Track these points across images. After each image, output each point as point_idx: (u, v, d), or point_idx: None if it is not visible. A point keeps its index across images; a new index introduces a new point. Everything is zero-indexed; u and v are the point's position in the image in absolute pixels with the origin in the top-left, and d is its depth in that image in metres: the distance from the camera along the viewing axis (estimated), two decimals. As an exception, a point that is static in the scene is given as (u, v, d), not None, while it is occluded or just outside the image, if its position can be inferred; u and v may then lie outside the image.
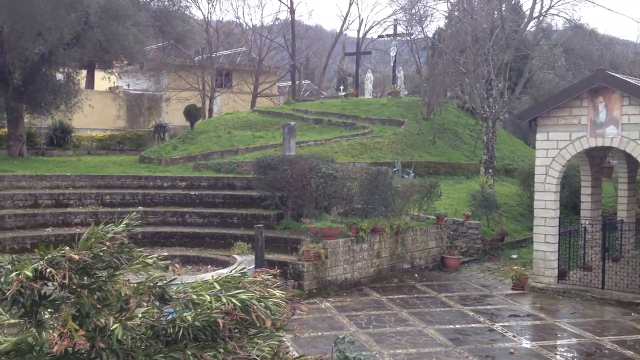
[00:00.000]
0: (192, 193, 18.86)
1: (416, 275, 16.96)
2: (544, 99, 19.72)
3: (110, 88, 36.34)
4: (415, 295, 14.86)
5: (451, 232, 19.25)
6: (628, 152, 15.13)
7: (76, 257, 4.24)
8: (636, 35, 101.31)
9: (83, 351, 4.33)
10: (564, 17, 27.51)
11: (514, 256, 19.15)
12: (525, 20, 26.43)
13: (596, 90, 15.00)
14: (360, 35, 43.76)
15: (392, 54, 34.35)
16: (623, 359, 10.66)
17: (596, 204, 18.24)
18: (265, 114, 30.25)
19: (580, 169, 18.50)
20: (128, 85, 38.08)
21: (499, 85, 23.76)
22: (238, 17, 60.95)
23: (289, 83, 43.87)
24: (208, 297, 4.40)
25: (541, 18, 26.63)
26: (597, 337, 11.80)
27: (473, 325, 12.52)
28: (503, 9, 25.51)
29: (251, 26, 42.59)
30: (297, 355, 4.81)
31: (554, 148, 15.69)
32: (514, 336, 11.84)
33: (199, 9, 43.90)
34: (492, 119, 23.66)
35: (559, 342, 11.81)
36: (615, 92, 14.76)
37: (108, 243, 4.46)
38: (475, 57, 23.78)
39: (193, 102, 31.70)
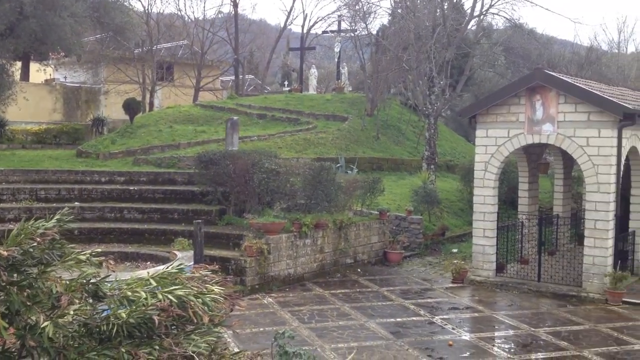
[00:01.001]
0: (131, 188, 18.46)
1: (359, 269, 17.07)
2: (484, 97, 20.12)
3: (46, 80, 35.19)
4: (358, 290, 14.95)
5: (394, 227, 19.45)
6: (564, 149, 15.60)
7: (5, 253, 4.09)
8: (573, 35, 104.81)
9: (13, 350, 4.20)
10: (504, 17, 28.06)
11: (455, 250, 19.51)
12: (466, 18, 26.90)
13: (534, 89, 15.37)
14: (305, 31, 43.71)
15: (336, 49, 34.44)
16: (557, 349, 10.99)
17: (533, 199, 18.74)
18: (207, 108, 29.87)
19: (518, 165, 18.96)
20: (65, 77, 36.96)
21: (441, 82, 24.12)
22: (179, 10, 60.12)
23: (232, 77, 43.47)
24: (143, 294, 4.30)
25: (482, 17, 27.17)
26: (533, 329, 12.14)
27: (414, 318, 12.69)
28: (445, 7, 25.91)
29: (193, 19, 41.97)
30: (237, 351, 4.75)
31: (493, 145, 16.02)
32: (453, 328, 12.06)
33: (139, 0, 42.99)
34: (434, 115, 24.01)
35: (496, 333, 12.09)
36: (551, 91, 15.16)
37: (38, 239, 4.32)
38: (417, 55, 24.07)
39: (133, 95, 31.03)
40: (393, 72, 27.13)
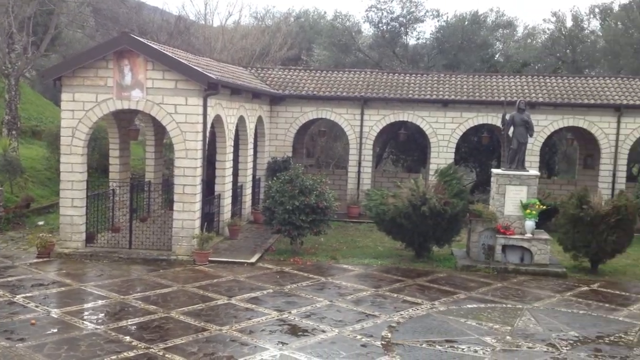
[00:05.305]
0: None
1: None
2: (70, 58, 19.01)
3: None
4: None
5: (-33, 201, 17.13)
6: (153, 116, 15.69)
7: None
8: (162, 2, 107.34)
9: None
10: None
11: (41, 223, 18.19)
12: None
13: (122, 53, 15.04)
14: None
15: None
16: (147, 313, 11.04)
17: (125, 166, 18.55)
18: None
19: (108, 132, 18.50)
20: None
21: (22, 40, 22.05)
22: None
23: None
24: None
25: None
26: (123, 296, 11.98)
27: (-12, 301, 11.34)
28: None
29: None
30: None
31: (81, 109, 15.27)
32: (37, 306, 11.15)
33: None
34: (15, 76, 21.93)
35: (85, 305, 11.58)
36: (140, 56, 15.03)
37: None
38: (-6, 6, 21.43)
39: None
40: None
